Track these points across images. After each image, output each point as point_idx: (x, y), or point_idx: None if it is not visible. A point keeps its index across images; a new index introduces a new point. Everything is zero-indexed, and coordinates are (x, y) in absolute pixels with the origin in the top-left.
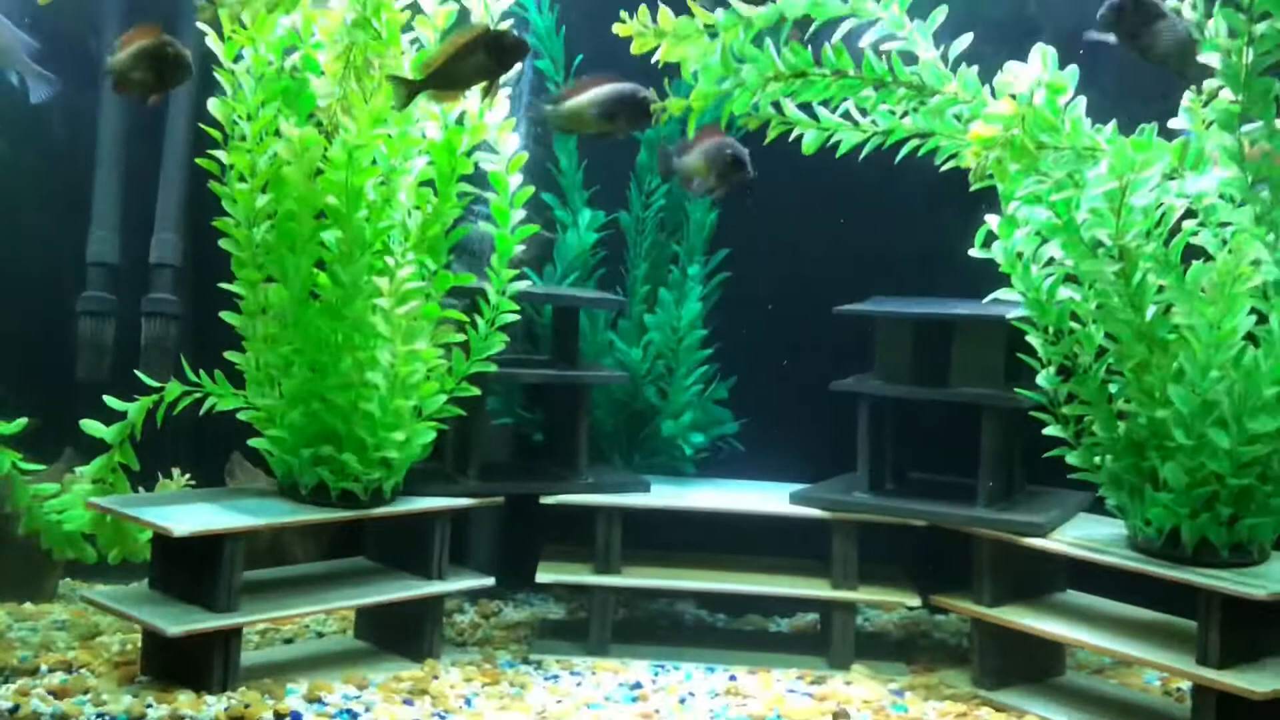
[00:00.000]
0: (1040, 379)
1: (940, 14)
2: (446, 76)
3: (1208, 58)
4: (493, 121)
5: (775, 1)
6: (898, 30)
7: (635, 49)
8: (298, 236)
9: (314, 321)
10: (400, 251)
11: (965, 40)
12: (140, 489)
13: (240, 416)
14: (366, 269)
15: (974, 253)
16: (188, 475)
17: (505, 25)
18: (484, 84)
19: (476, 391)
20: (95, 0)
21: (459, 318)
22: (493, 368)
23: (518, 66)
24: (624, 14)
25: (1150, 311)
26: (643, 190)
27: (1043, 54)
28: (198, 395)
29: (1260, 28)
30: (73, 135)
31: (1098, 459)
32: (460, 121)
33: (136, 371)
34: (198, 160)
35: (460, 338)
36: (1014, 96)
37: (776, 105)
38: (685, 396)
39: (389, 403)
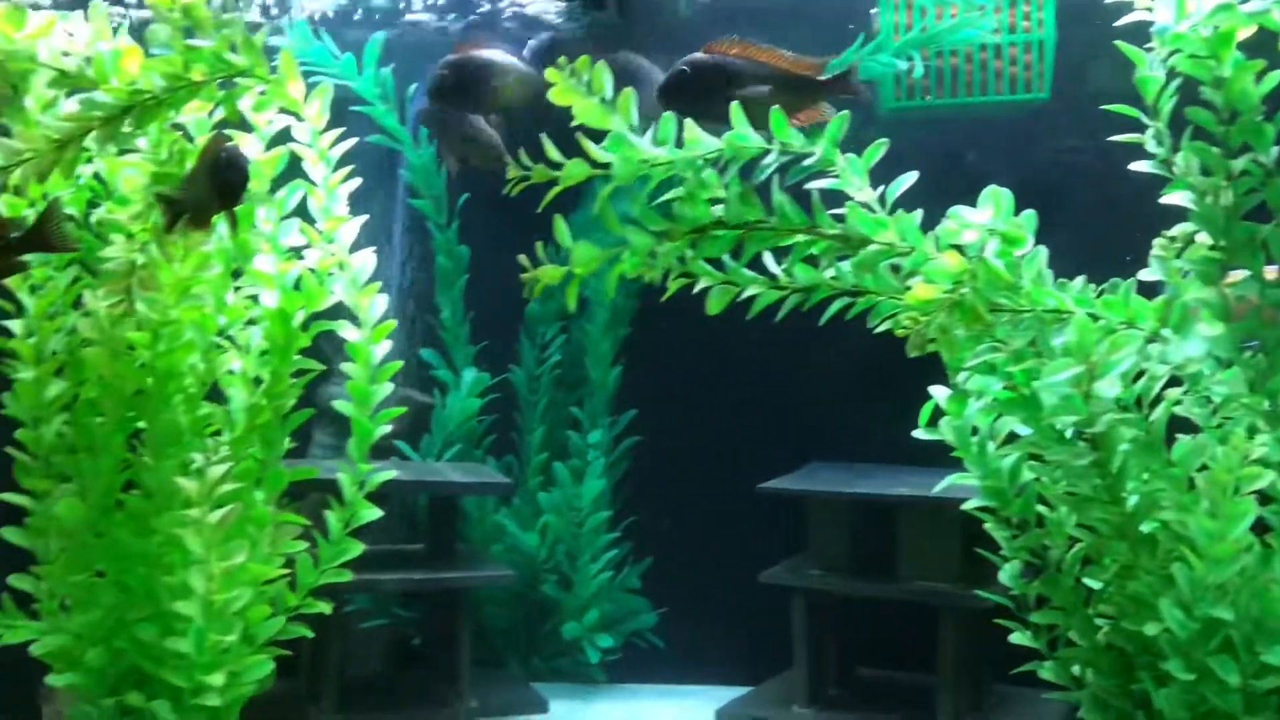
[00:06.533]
0: (1003, 576)
1: (880, 149)
2: (186, 205)
3: (1177, 198)
4: (347, 279)
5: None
6: (829, 166)
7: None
8: (100, 432)
9: (120, 537)
10: (214, 446)
11: (909, 179)
12: None
13: (33, 651)
14: (182, 469)
15: (919, 434)
16: None
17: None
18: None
19: (326, 608)
20: None
21: (298, 521)
22: (347, 576)
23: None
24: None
25: (1132, 501)
26: (536, 343)
27: (995, 197)
28: None
29: (1239, 163)
30: None
31: (1077, 671)
32: (298, 286)
33: None
34: None
35: (302, 545)
36: (960, 248)
37: (680, 258)
38: (590, 588)
39: (206, 638)
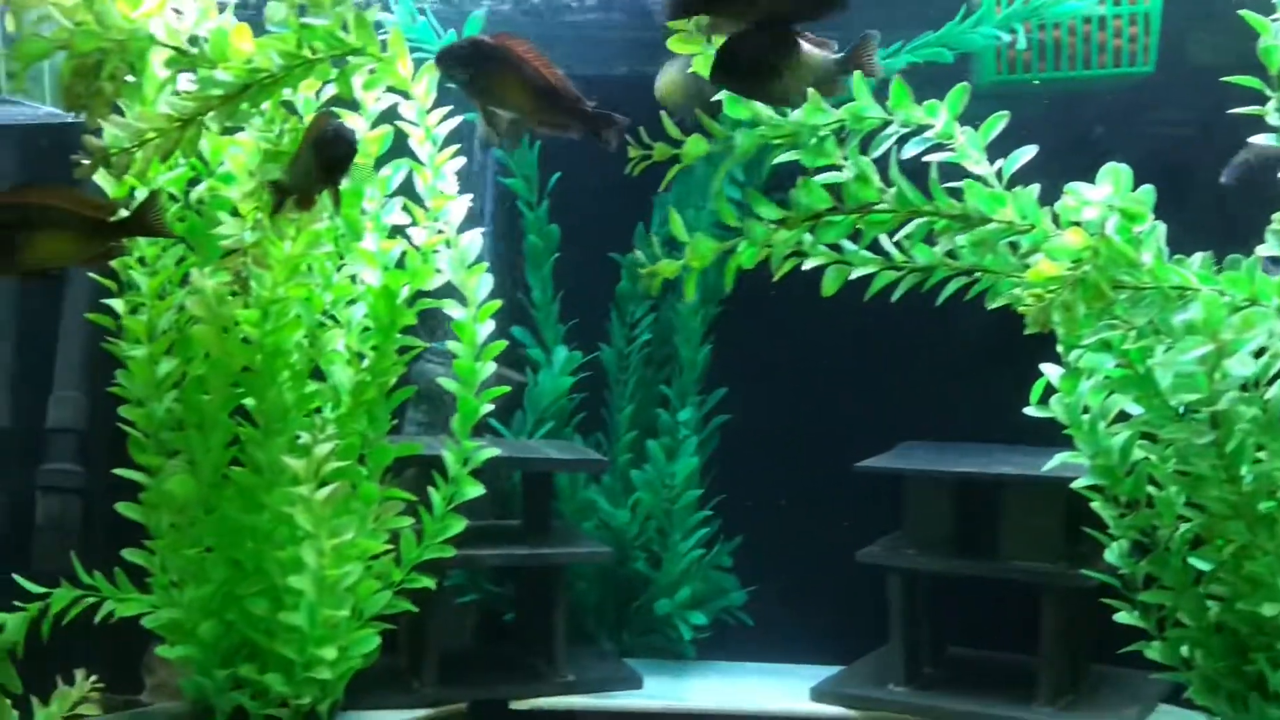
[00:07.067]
0: (1110, 555)
1: (999, 121)
2: (293, 186)
3: None
4: (454, 257)
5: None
6: (948, 140)
7: (658, 155)
8: (209, 409)
9: (229, 513)
10: (320, 423)
11: (1026, 154)
12: (33, 698)
13: (146, 624)
14: (288, 446)
15: (1031, 411)
16: (94, 678)
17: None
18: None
19: (430, 583)
20: None
21: (405, 497)
22: (450, 552)
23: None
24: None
25: (1249, 480)
26: (625, 321)
27: (1115, 173)
28: (93, 600)
29: None
30: None
31: (1186, 652)
32: (401, 264)
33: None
34: (88, 316)
35: (408, 521)
36: (1079, 224)
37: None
38: (681, 565)
39: (318, 613)
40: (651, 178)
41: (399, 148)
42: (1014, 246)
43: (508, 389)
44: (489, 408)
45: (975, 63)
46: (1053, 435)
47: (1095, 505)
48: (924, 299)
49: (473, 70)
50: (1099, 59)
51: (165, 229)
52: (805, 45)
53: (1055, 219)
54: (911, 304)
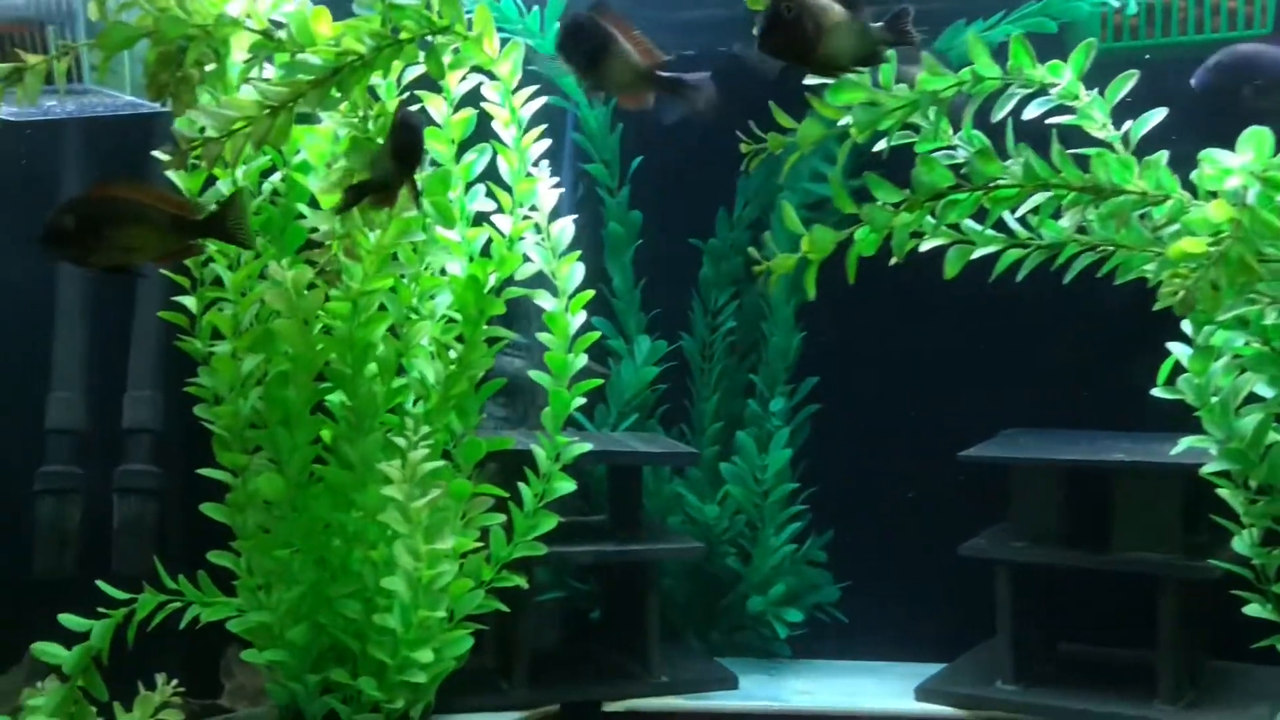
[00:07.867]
0: (1238, 544)
1: (1127, 80)
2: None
3: None
4: (536, 244)
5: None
6: (1071, 100)
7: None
8: (293, 406)
9: (317, 512)
10: (413, 425)
11: (1155, 116)
12: (115, 704)
13: (231, 628)
14: (380, 443)
15: (1158, 392)
16: (174, 681)
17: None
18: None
19: (521, 581)
20: None
21: (497, 493)
22: (541, 549)
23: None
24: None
25: None
26: (708, 309)
27: (1258, 138)
28: (177, 605)
29: None
30: (28, 279)
31: None
32: (486, 252)
33: (100, 584)
34: (161, 315)
35: (500, 518)
36: (1216, 195)
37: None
38: (773, 561)
39: (412, 614)
40: (735, 160)
41: (482, 131)
42: (1142, 218)
43: (599, 381)
44: (580, 401)
45: (1078, 31)
46: (1160, 420)
47: (1223, 492)
48: (1026, 277)
49: (584, 47)
50: (1213, 22)
51: (246, 234)
52: (842, 11)
53: (1191, 189)
54: (1013, 284)
